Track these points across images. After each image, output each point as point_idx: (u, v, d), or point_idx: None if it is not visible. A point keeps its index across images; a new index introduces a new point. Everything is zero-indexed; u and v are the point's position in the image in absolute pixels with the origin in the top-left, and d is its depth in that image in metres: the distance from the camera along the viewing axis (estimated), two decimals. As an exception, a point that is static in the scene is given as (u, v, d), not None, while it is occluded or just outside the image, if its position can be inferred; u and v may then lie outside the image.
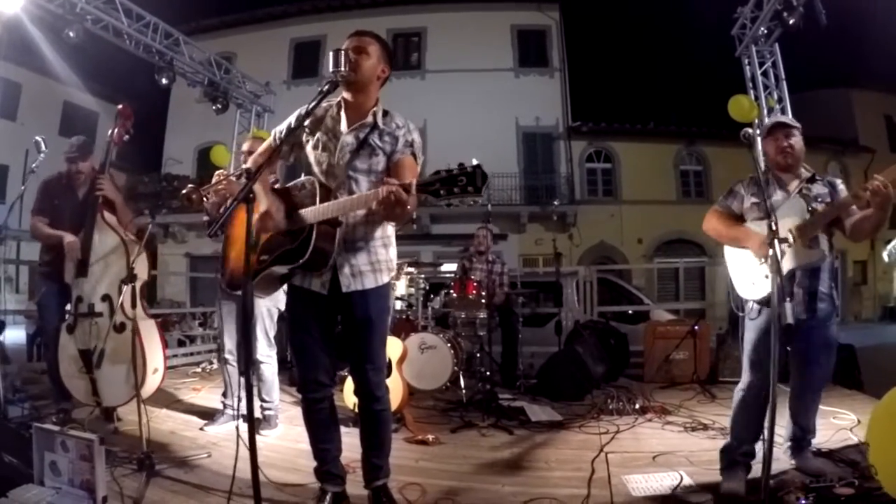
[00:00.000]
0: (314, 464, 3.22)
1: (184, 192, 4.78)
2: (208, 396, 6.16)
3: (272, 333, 4.92)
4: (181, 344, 11.56)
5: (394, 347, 5.01)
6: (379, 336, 3.15)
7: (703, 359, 7.24)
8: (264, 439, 4.52)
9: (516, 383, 6.86)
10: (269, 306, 4.78)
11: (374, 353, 3.11)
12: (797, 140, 3.63)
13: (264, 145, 3.26)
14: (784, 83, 9.93)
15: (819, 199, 3.49)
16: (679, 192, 22.73)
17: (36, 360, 10.25)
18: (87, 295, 4.36)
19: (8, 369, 5.82)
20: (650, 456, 4.18)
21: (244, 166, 3.38)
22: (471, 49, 22.35)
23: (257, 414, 4.76)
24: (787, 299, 2.69)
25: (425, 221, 19.96)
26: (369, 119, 3.00)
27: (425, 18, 23.00)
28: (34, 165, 4.90)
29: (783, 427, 3.84)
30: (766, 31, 9.74)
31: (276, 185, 3.14)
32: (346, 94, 3.00)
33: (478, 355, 6.71)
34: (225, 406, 4.99)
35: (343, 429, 3.33)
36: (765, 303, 3.41)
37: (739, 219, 3.68)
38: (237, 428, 2.96)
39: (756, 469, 3.39)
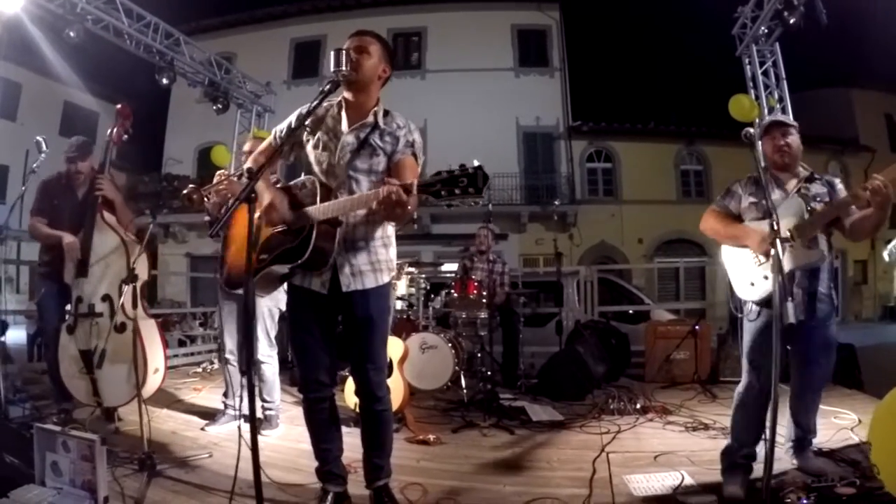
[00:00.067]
0: (316, 464, 3.22)
1: (185, 192, 4.78)
2: (209, 396, 6.16)
3: (273, 333, 4.93)
4: (182, 344, 11.56)
5: (395, 347, 5.01)
6: (380, 336, 3.15)
7: (704, 359, 7.23)
8: (265, 439, 4.52)
9: (517, 383, 6.86)
10: (271, 306, 4.78)
11: (375, 353, 3.10)
12: (794, 139, 3.62)
13: (264, 144, 3.26)
14: (784, 82, 9.91)
15: (818, 199, 3.48)
16: (679, 192, 22.73)
17: (36, 361, 10.25)
18: (87, 295, 4.35)
19: (9, 369, 5.81)
20: (651, 456, 4.18)
21: (245, 166, 3.38)
22: (471, 49, 22.36)
23: (258, 414, 4.76)
24: (790, 299, 2.67)
25: (426, 221, 19.94)
26: (370, 119, 3.00)
27: (425, 18, 22.99)
28: (35, 165, 4.89)
29: (784, 427, 3.83)
30: (766, 31, 9.71)
31: (278, 185, 3.13)
32: (347, 94, 3.00)
33: (479, 355, 6.72)
34: (226, 406, 4.99)
35: (344, 429, 3.32)
36: (763, 304, 3.39)
37: (737, 219, 3.67)
38: (239, 428, 2.95)
39: (757, 469, 3.38)
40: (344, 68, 2.77)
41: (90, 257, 4.40)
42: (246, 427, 4.36)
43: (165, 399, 5.79)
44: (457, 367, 6.35)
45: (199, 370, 7.98)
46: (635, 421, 5.19)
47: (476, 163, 2.44)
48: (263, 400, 4.82)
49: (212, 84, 12.38)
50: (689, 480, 3.63)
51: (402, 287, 6.66)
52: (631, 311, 11.11)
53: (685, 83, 28.01)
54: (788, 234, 3.33)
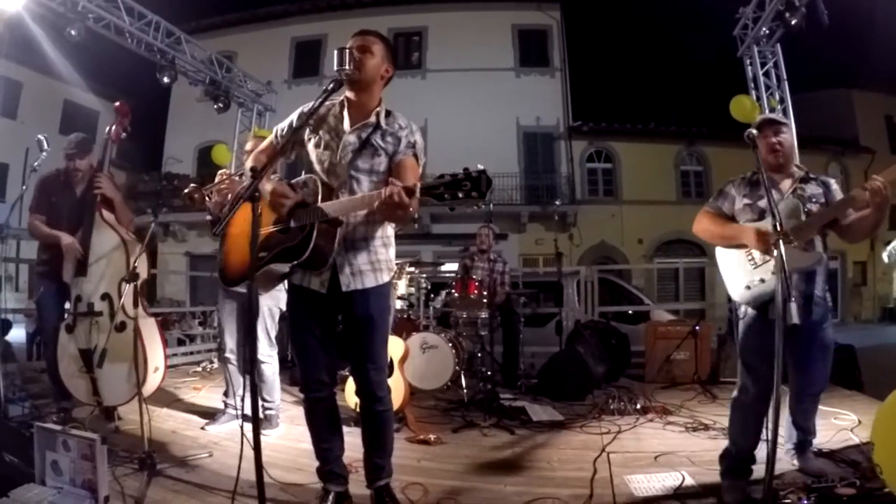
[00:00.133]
0: (316, 463, 3.22)
1: (186, 191, 4.79)
2: (209, 396, 6.16)
3: (273, 333, 4.92)
4: (181, 343, 11.56)
5: (396, 347, 5.01)
6: (380, 335, 3.15)
7: (704, 359, 7.23)
8: (266, 439, 4.50)
9: (517, 383, 6.86)
10: (271, 305, 4.78)
11: (375, 353, 3.10)
12: (786, 137, 3.56)
13: (265, 143, 3.25)
14: (786, 83, 9.91)
15: (813, 200, 3.44)
16: (679, 193, 22.71)
17: (35, 359, 10.25)
18: (87, 294, 4.34)
19: (9, 368, 5.81)
20: (652, 456, 4.18)
21: (247, 164, 3.38)
22: (471, 49, 22.35)
23: (259, 413, 4.75)
24: (792, 299, 2.66)
25: (426, 221, 19.94)
26: (372, 119, 3.01)
27: (426, 18, 22.98)
28: (36, 164, 4.88)
29: (784, 428, 3.82)
30: (767, 32, 9.72)
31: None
32: (350, 93, 3.00)
33: (479, 355, 6.71)
34: (226, 405, 4.98)
35: (345, 428, 3.32)
36: (759, 306, 3.37)
37: (731, 220, 3.61)
38: (241, 427, 2.95)
39: (758, 470, 3.37)
40: (347, 67, 2.77)
41: (89, 256, 4.38)
42: (247, 426, 4.36)
43: (165, 398, 5.78)
44: (457, 367, 6.35)
45: (199, 369, 7.97)
46: (635, 421, 5.19)
47: (480, 166, 2.44)
48: (263, 399, 4.81)
49: (213, 83, 12.37)
50: (689, 481, 3.63)
51: (401, 287, 6.66)
52: (630, 312, 11.10)
53: (685, 84, 27.99)
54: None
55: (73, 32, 8.83)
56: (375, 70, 2.99)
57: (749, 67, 10.23)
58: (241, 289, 3.84)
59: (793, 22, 8.70)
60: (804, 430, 3.77)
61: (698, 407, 5.76)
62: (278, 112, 14.15)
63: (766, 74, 10.06)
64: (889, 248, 4.63)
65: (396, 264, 3.29)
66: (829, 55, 20.39)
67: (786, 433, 3.85)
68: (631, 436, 4.81)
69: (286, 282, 3.19)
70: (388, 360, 3.92)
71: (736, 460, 3.44)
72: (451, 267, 9.35)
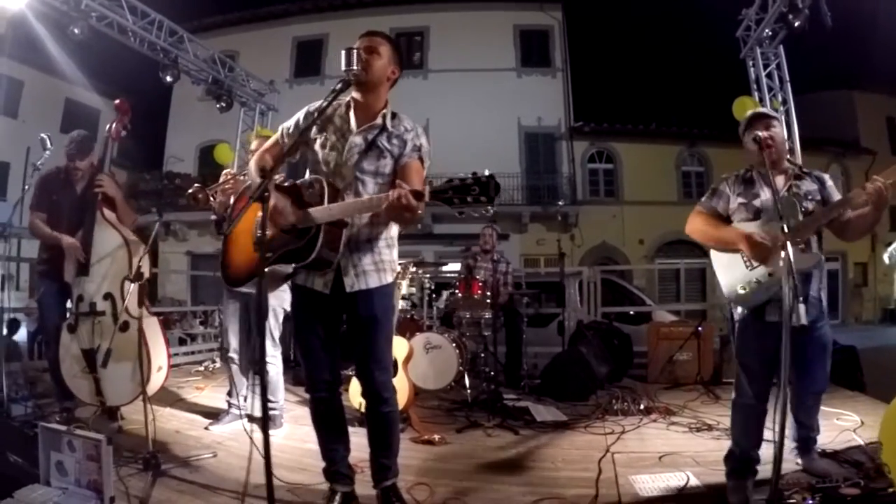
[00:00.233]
0: (321, 463, 3.22)
1: (190, 191, 4.79)
2: (212, 395, 6.16)
3: (277, 334, 4.91)
4: (182, 342, 11.56)
5: (400, 347, 5.01)
6: (385, 335, 3.15)
7: (707, 360, 7.23)
8: (270, 439, 4.50)
9: (520, 383, 6.86)
10: (275, 306, 4.77)
11: (379, 353, 3.10)
12: (777, 131, 3.48)
13: (270, 142, 3.24)
14: (788, 85, 9.92)
15: (809, 197, 3.38)
16: (681, 193, 22.68)
17: (37, 359, 10.25)
18: (89, 294, 4.33)
19: (12, 367, 5.81)
20: (656, 456, 4.18)
21: (251, 164, 3.37)
22: (473, 49, 22.35)
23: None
24: (800, 299, 2.65)
25: (427, 221, 19.90)
26: (378, 121, 3.01)
27: (428, 18, 22.99)
28: (39, 163, 4.89)
29: (787, 428, 3.81)
30: (770, 33, 9.72)
31: (286, 183, 3.12)
32: (356, 94, 2.99)
33: (482, 355, 6.71)
34: (230, 405, 4.97)
35: (350, 428, 3.32)
36: (755, 308, 3.34)
37: (725, 220, 3.54)
38: (250, 428, 2.95)
39: (763, 470, 3.37)
40: (355, 67, 2.77)
41: (91, 255, 4.38)
42: (250, 427, 4.36)
43: (168, 398, 5.78)
44: (461, 367, 6.35)
45: (202, 369, 7.97)
46: (639, 422, 5.19)
47: (487, 172, 2.43)
48: (267, 400, 4.80)
49: (215, 82, 12.37)
50: (694, 481, 3.63)
51: (404, 287, 6.65)
52: (632, 312, 11.11)
53: (687, 85, 27.92)
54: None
55: (76, 31, 8.83)
56: (382, 71, 2.99)
57: (752, 69, 10.24)
58: (246, 289, 3.84)
59: (796, 24, 8.69)
60: (808, 427, 3.75)
61: (701, 407, 5.76)
62: (281, 111, 14.14)
63: (769, 76, 10.07)
64: (890, 249, 4.60)
65: (400, 265, 3.28)
66: (830, 56, 20.39)
67: (789, 433, 3.83)
68: (635, 436, 4.81)
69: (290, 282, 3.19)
70: (393, 360, 3.93)
71: (740, 461, 3.42)
72: (453, 267, 9.34)
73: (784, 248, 2.74)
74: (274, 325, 4.84)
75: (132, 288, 4.10)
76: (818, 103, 23.49)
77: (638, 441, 4.68)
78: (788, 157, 3.64)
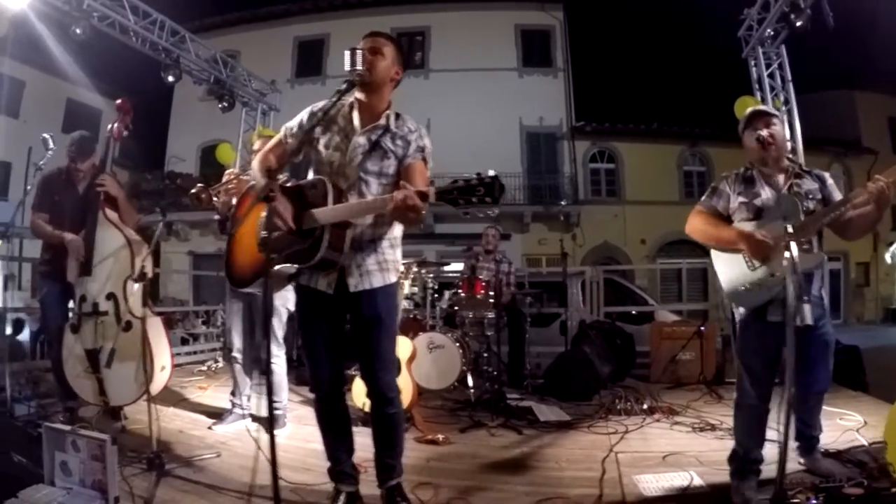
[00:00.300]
0: (325, 463, 3.23)
1: (193, 191, 4.78)
2: (215, 395, 6.16)
3: (281, 334, 4.92)
4: (184, 342, 11.55)
5: (403, 347, 5.01)
6: (389, 335, 3.15)
7: (710, 360, 7.21)
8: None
9: (523, 383, 6.87)
10: (279, 306, 4.76)
11: (384, 352, 3.10)
12: (777, 129, 3.44)
13: (273, 142, 3.23)
14: (790, 85, 9.88)
15: (810, 196, 3.35)
16: (682, 193, 22.66)
17: (39, 358, 10.26)
18: (92, 294, 4.31)
19: (15, 367, 5.81)
20: (660, 456, 4.18)
21: (253, 163, 3.37)
22: (474, 48, 22.34)
23: (266, 413, 4.76)
24: (806, 297, 2.65)
25: (429, 221, 19.89)
26: (382, 121, 3.01)
27: (429, 18, 22.98)
28: (42, 163, 4.89)
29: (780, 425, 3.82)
30: (772, 33, 9.71)
31: (289, 183, 3.12)
32: (360, 95, 2.99)
33: (485, 355, 6.71)
34: (233, 405, 4.97)
35: (353, 428, 3.32)
36: (756, 308, 3.32)
37: (725, 219, 3.51)
38: (255, 428, 2.95)
39: (767, 470, 3.37)
40: (360, 67, 2.77)
41: (94, 255, 4.37)
42: (253, 427, 4.37)
43: (171, 398, 5.78)
44: (464, 367, 6.35)
45: (204, 368, 7.96)
46: (642, 421, 5.18)
47: (491, 172, 2.44)
48: (273, 400, 4.81)
49: (217, 82, 12.38)
50: (698, 481, 3.63)
51: (406, 287, 6.65)
52: (634, 312, 11.10)
53: (689, 84, 27.86)
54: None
55: (78, 31, 8.84)
56: (386, 72, 2.99)
57: (754, 69, 10.21)
58: (250, 289, 3.84)
59: (798, 24, 8.68)
60: (811, 426, 3.74)
61: (704, 407, 5.75)
62: (282, 111, 14.13)
63: (771, 76, 10.04)
64: (892, 248, 4.59)
65: (403, 265, 3.28)
66: (831, 56, 20.33)
67: (791, 432, 3.83)
68: (638, 436, 4.81)
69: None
70: (396, 360, 3.93)
71: (744, 461, 3.40)
72: (455, 267, 9.35)
73: (788, 248, 2.73)
74: (277, 325, 4.83)
75: (136, 288, 4.10)
76: (819, 103, 23.42)
77: (641, 441, 4.67)
78: (790, 155, 3.62)
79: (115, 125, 4.58)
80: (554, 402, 6.04)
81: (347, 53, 2.78)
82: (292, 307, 4.49)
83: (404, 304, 6.55)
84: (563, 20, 23.14)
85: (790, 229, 2.82)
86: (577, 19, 23.50)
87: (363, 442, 3.28)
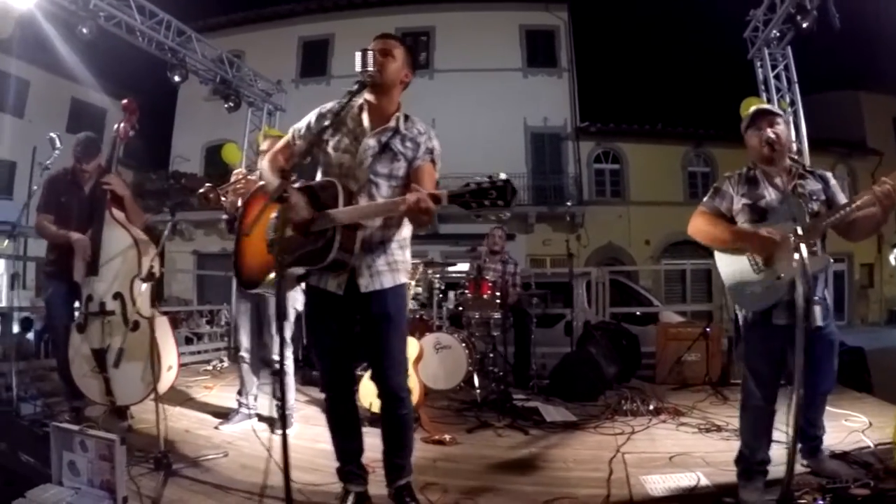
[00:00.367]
0: (333, 463, 3.24)
1: (201, 191, 4.79)
2: (221, 395, 6.17)
3: (288, 334, 4.92)
4: (189, 342, 11.58)
5: (411, 347, 5.00)
6: (399, 334, 3.16)
7: (715, 361, 7.21)
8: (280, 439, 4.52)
9: (529, 383, 6.86)
10: (287, 306, 4.77)
11: (394, 352, 3.11)
12: (782, 129, 3.40)
13: (281, 143, 3.24)
14: (796, 86, 9.83)
15: (814, 197, 3.33)
16: (687, 194, 22.60)
17: (44, 357, 10.27)
18: (99, 294, 4.32)
19: (21, 366, 5.81)
20: (666, 457, 4.19)
21: (260, 164, 3.38)
22: (479, 49, 22.32)
23: (273, 413, 4.77)
24: (816, 297, 2.65)
25: (434, 221, 19.86)
26: (392, 123, 3.02)
27: (433, 18, 22.95)
28: (48, 162, 4.89)
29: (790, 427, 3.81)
30: (778, 34, 9.68)
31: (297, 184, 3.12)
32: (370, 96, 3.00)
33: (491, 355, 6.71)
34: (240, 405, 4.97)
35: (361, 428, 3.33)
36: (762, 310, 3.29)
37: (728, 221, 3.48)
38: (263, 427, 2.96)
39: (774, 471, 3.37)
40: (371, 68, 2.78)
41: (100, 255, 4.38)
42: (260, 427, 4.38)
43: (178, 397, 5.79)
44: (470, 368, 6.36)
45: (210, 368, 7.99)
46: (648, 422, 5.19)
47: (503, 175, 2.44)
48: (278, 399, 4.82)
49: (223, 82, 12.36)
50: (705, 481, 3.64)
51: (411, 287, 6.65)
52: (638, 313, 11.09)
53: (693, 85, 27.80)
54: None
55: (84, 31, 8.83)
56: (396, 74, 3.00)
57: (759, 70, 10.18)
58: (259, 290, 3.84)
59: (804, 25, 8.64)
60: (815, 427, 3.74)
61: (710, 408, 5.75)
62: (288, 112, 14.13)
63: (777, 77, 10.00)
64: (896, 250, 4.58)
65: (411, 265, 3.29)
66: (836, 57, 20.30)
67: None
68: (645, 436, 4.81)
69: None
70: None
71: (750, 462, 3.40)
72: (460, 267, 9.35)
73: (798, 249, 2.72)
74: (286, 326, 4.84)
75: (144, 288, 4.11)
76: (824, 104, 23.37)
77: (648, 441, 4.68)
78: (795, 156, 3.61)
79: (122, 125, 4.58)
80: (560, 402, 6.05)
81: (358, 55, 2.78)
82: (300, 307, 4.50)
83: (411, 304, 6.56)
84: (568, 20, 23.11)
85: (800, 231, 2.81)
86: (581, 19, 23.49)
87: (371, 442, 3.28)
